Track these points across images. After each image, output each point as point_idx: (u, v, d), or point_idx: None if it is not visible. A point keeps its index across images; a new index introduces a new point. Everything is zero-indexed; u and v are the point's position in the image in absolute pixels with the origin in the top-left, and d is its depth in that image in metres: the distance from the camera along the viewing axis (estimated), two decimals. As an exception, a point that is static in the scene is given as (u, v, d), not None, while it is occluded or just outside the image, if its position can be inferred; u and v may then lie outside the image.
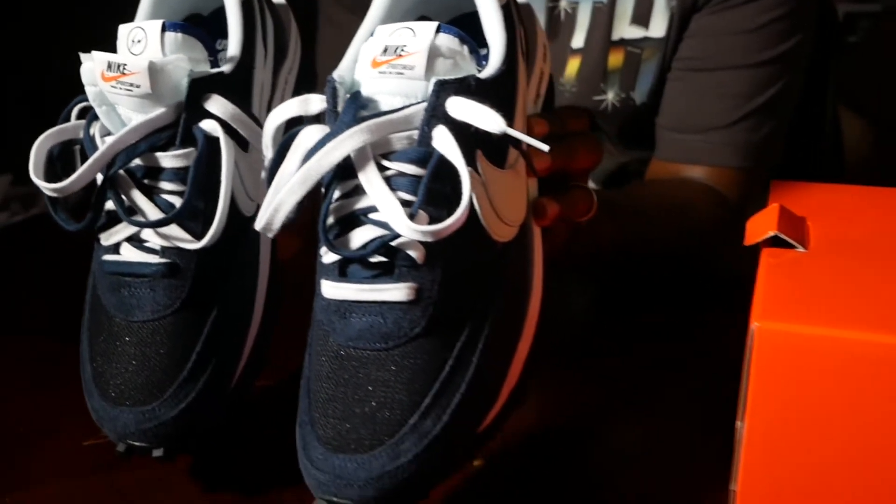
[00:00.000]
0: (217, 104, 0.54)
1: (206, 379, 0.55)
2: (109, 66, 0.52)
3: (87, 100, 0.56)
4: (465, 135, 0.47)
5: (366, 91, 0.49)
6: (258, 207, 0.58)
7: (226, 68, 0.56)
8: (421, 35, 0.49)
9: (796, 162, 1.42)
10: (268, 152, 0.51)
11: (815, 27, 0.98)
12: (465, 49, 0.50)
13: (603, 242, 0.72)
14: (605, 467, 0.58)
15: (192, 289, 0.55)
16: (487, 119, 0.46)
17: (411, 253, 0.47)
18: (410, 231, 0.45)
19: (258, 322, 0.59)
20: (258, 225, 0.48)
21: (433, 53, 0.48)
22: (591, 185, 1.04)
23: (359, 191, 0.48)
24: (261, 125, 0.56)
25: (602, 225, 0.71)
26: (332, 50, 0.58)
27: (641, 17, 0.97)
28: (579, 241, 0.68)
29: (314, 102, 0.50)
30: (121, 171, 0.54)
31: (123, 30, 0.55)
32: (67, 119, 0.57)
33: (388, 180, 0.47)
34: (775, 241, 0.53)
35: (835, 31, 1.48)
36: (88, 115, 0.56)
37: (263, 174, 0.54)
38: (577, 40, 1.00)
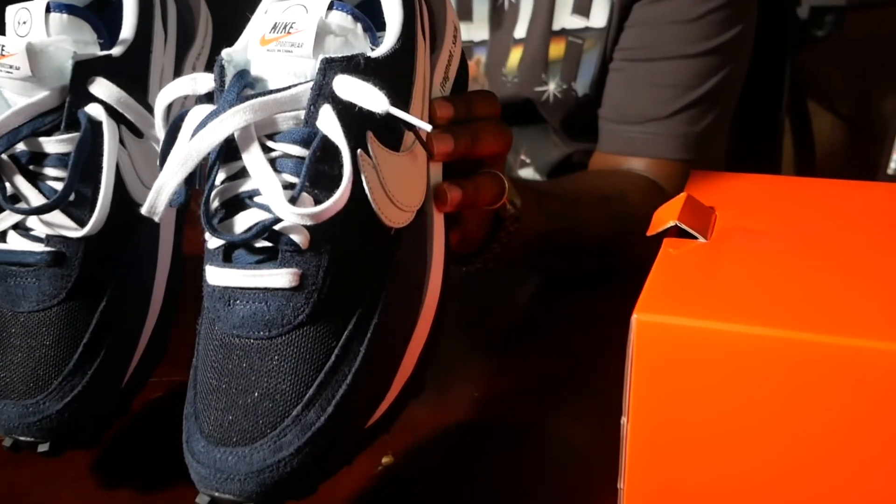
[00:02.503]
0: (102, 88, 0.52)
1: (94, 371, 0.52)
2: (-9, 47, 0.50)
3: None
4: (355, 115, 0.46)
5: (254, 70, 0.47)
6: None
7: (115, 51, 0.54)
8: (312, 11, 0.47)
9: (753, 155, 1.42)
10: (160, 134, 0.50)
11: (759, 19, 0.98)
12: (359, 27, 0.48)
13: (529, 233, 0.71)
14: (507, 462, 0.57)
15: (79, 278, 0.52)
16: (371, 98, 0.44)
17: (295, 237, 0.45)
18: (289, 214, 0.43)
19: (155, 315, 0.57)
20: (144, 209, 0.46)
21: (322, 30, 0.47)
22: (535, 175, 1.03)
23: (244, 173, 0.47)
24: (145, 102, 0.54)
25: (530, 214, 0.70)
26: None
27: (583, 6, 0.96)
28: (504, 234, 0.67)
29: (202, 81, 0.48)
30: (3, 157, 0.51)
31: (10, 10, 0.52)
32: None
33: (272, 162, 0.46)
34: (679, 232, 0.51)
35: (795, 26, 1.49)
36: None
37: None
38: (520, 30, 0.99)
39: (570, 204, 0.81)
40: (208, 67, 0.63)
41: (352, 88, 0.45)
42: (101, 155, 0.52)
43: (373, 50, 0.49)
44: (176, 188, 0.46)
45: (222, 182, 0.47)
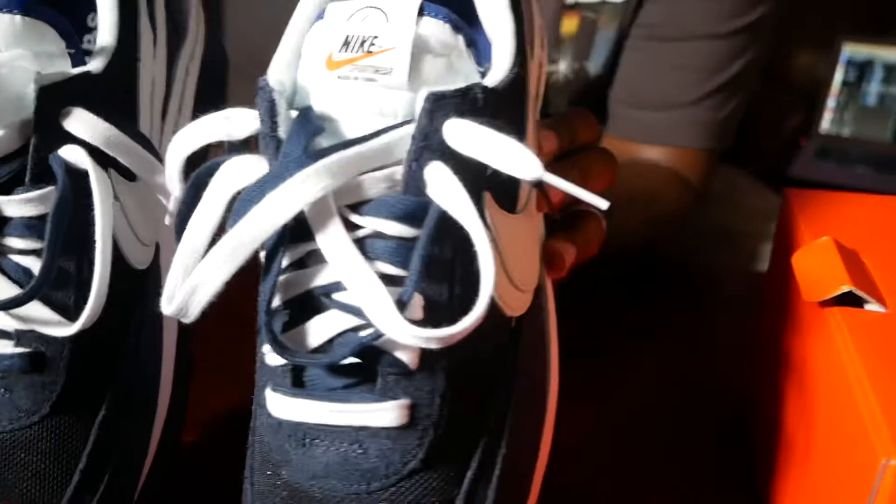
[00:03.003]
0: (82, 122, 0.37)
1: (98, 501, 0.39)
2: (-89, 70, 0.34)
3: None
4: (468, 172, 0.32)
5: (319, 105, 0.33)
6: (156, 253, 0.42)
7: (94, 66, 0.38)
8: (398, 19, 0.33)
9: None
10: (174, 190, 0.35)
11: None
12: (461, 41, 0.34)
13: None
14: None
15: (67, 386, 0.38)
16: (513, 159, 0.31)
17: (401, 356, 0.32)
18: (408, 335, 0.30)
19: (165, 407, 0.43)
20: (168, 309, 0.32)
21: (419, 48, 0.32)
22: None
23: (316, 258, 0.33)
24: (151, 145, 0.39)
25: None
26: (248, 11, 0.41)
27: None
28: None
29: (241, 122, 0.34)
30: (-56, 227, 0.36)
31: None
32: None
33: (360, 244, 0.32)
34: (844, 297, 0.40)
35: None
36: None
37: (168, 219, 0.38)
38: None
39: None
40: (205, 72, 0.48)
41: (473, 138, 0.31)
42: (89, 216, 0.37)
43: (482, 75, 0.35)
44: (221, 286, 0.31)
45: (285, 270, 0.33)
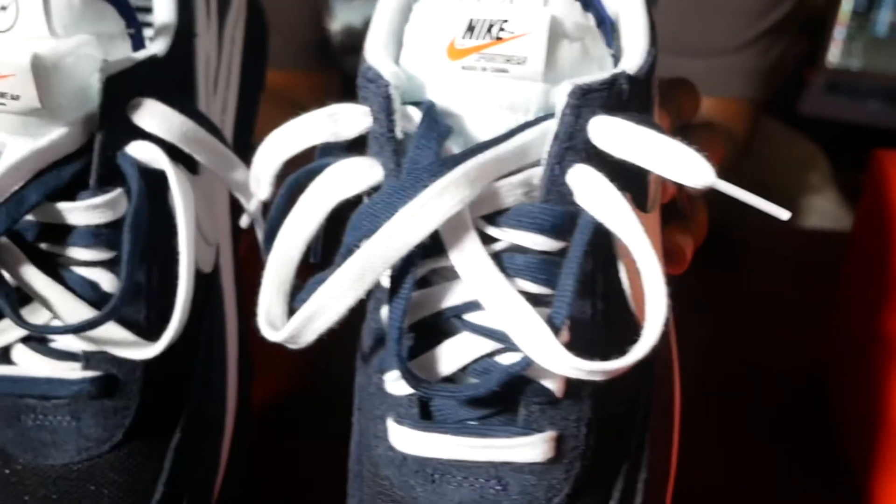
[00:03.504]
0: (154, 115, 0.32)
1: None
2: (-41, 63, 0.29)
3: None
4: (611, 173, 0.28)
5: (442, 99, 0.29)
6: (217, 253, 0.37)
7: (157, 47, 0.34)
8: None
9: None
10: (261, 192, 0.31)
11: None
12: (591, 19, 0.30)
13: None
14: None
15: (141, 409, 0.34)
16: (679, 164, 0.27)
17: (548, 384, 0.28)
18: (562, 365, 0.26)
19: (232, 420, 0.39)
20: (272, 335, 0.28)
21: (553, 32, 0.28)
22: None
23: (444, 275, 0.29)
24: (223, 137, 0.35)
25: None
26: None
27: None
28: None
29: (349, 119, 0.29)
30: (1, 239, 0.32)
31: (-28, -13, 0.31)
32: None
33: (496, 259, 0.28)
34: None
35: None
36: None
37: (245, 220, 0.34)
38: None
39: None
40: (247, 39, 0.43)
41: (626, 139, 0.27)
42: (160, 221, 0.33)
43: (614, 59, 0.30)
44: (344, 312, 0.28)
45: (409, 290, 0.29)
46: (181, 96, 0.34)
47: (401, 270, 0.28)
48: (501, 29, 0.28)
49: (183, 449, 0.35)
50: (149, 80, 0.33)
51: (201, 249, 0.36)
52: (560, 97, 0.28)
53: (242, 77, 0.42)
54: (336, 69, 0.76)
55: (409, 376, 0.28)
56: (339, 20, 0.68)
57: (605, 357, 0.27)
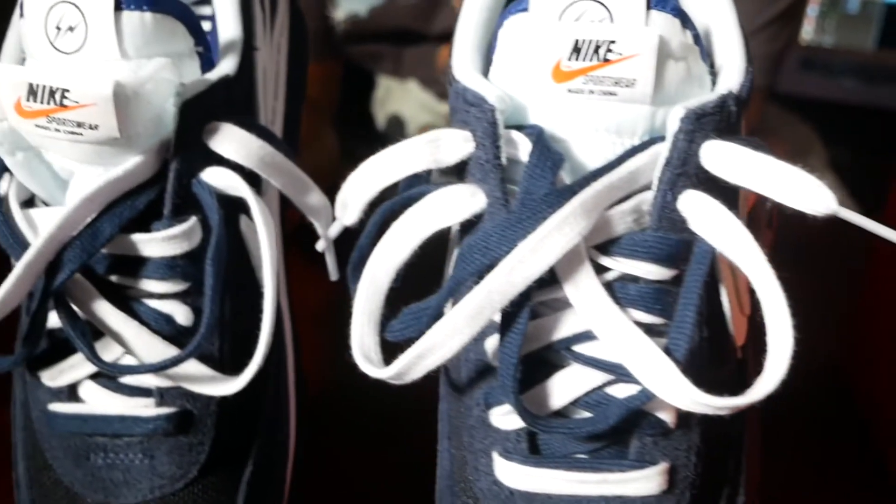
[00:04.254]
0: (231, 140, 0.31)
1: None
2: (33, 91, 0.28)
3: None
4: (721, 199, 0.27)
5: (545, 123, 0.28)
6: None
7: (227, 67, 0.32)
8: (626, 15, 0.28)
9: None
10: (347, 217, 0.30)
11: None
12: (689, 36, 0.29)
13: None
14: None
15: (215, 445, 0.33)
16: (799, 191, 0.26)
17: (663, 416, 0.28)
18: (686, 399, 0.26)
19: (293, 444, 0.38)
20: (373, 371, 0.27)
21: (663, 54, 0.27)
22: None
23: (552, 306, 0.28)
24: (288, 149, 0.34)
25: None
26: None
27: None
28: None
29: (451, 145, 0.28)
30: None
31: (36, 5, 0.29)
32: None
33: (609, 288, 0.27)
34: None
35: None
36: (-10, 168, 0.31)
37: (322, 244, 0.33)
38: None
39: None
40: (292, 47, 0.41)
41: (742, 165, 0.27)
42: (236, 249, 0.31)
43: (712, 76, 0.30)
44: (458, 350, 0.27)
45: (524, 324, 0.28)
46: (249, 115, 0.33)
47: (514, 303, 0.27)
48: (609, 50, 0.27)
49: (255, 482, 0.34)
50: (221, 101, 0.31)
51: (258, 272, 0.35)
52: (672, 121, 0.27)
53: (287, 86, 0.41)
54: (339, 58, 0.75)
55: (525, 413, 0.27)
56: (343, 9, 0.66)
57: (711, 385, 0.26)
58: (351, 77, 0.69)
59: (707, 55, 0.30)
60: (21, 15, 0.30)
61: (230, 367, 0.32)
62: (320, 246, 0.33)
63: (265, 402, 0.35)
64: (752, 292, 0.32)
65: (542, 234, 0.26)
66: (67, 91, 0.28)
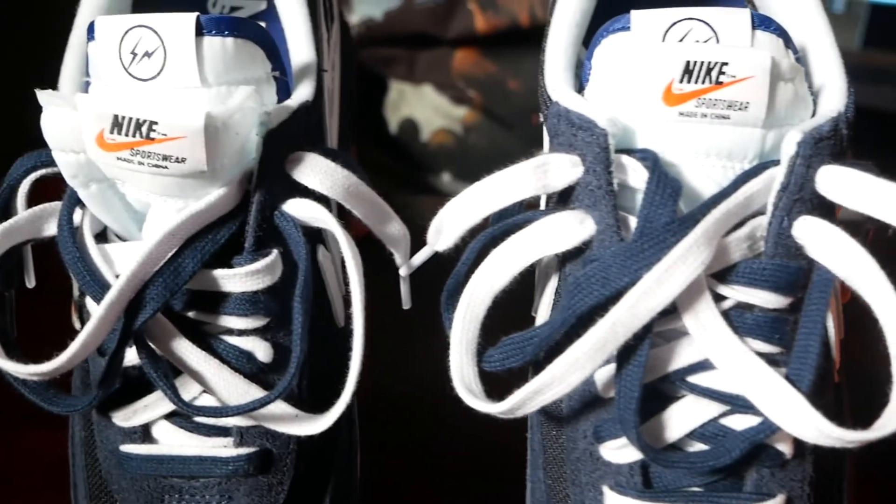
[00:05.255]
0: (316, 170, 0.29)
1: None
2: (118, 124, 0.26)
3: (42, 166, 0.30)
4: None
5: (656, 148, 0.27)
6: (346, 302, 0.35)
7: (304, 93, 0.31)
8: (733, 36, 0.27)
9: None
10: (441, 244, 0.29)
11: None
12: (792, 56, 0.28)
13: None
14: None
15: (295, 483, 0.31)
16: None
17: (781, 447, 0.27)
18: (814, 431, 0.25)
19: (359, 471, 0.37)
20: (490, 406, 0.26)
21: (775, 77, 0.26)
22: None
23: (667, 336, 0.27)
24: (366, 177, 0.32)
25: None
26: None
27: None
28: None
29: (559, 170, 0.27)
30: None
31: (111, 29, 0.28)
32: (7, 202, 0.30)
33: (726, 318, 0.26)
34: None
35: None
36: (64, 200, 0.29)
37: (405, 271, 0.32)
38: None
39: None
40: (343, 62, 0.40)
41: (859, 189, 0.26)
42: (321, 285, 0.30)
43: (813, 96, 0.29)
44: (578, 385, 0.26)
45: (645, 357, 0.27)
46: (321, 141, 0.32)
47: (638, 336, 0.26)
48: (722, 72, 0.26)
49: (332, 518, 0.33)
50: (303, 129, 0.30)
51: (338, 302, 0.34)
52: (788, 145, 0.26)
53: (340, 102, 0.39)
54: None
55: (646, 448, 0.26)
56: (358, 13, 0.65)
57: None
58: (361, 82, 0.68)
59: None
60: (90, 38, 0.29)
61: (308, 403, 0.31)
62: (405, 272, 0.32)
63: (340, 436, 0.33)
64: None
65: (666, 264, 0.25)
66: (155, 123, 0.26)
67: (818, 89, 0.29)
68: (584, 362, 0.25)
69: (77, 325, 0.33)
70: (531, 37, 0.65)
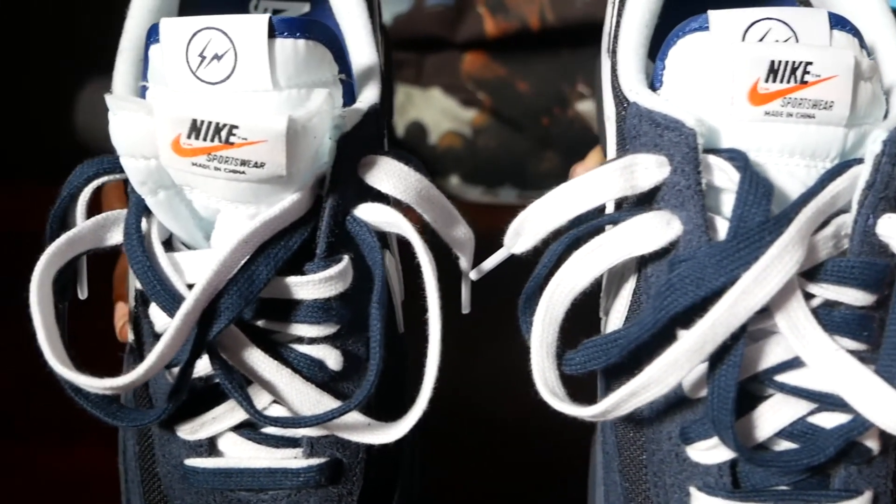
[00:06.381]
0: (389, 174, 0.29)
1: None
2: (196, 128, 0.25)
3: (104, 173, 0.29)
4: None
5: (745, 149, 0.27)
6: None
7: (371, 95, 0.30)
8: (812, 35, 0.27)
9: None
10: (519, 246, 0.28)
11: None
12: (866, 55, 0.28)
13: None
14: None
15: (364, 493, 0.31)
16: None
17: (870, 444, 0.27)
18: None
19: (420, 476, 0.36)
20: (582, 410, 0.26)
21: (857, 75, 0.26)
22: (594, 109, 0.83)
23: (758, 335, 0.27)
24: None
25: None
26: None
27: None
28: None
29: (646, 170, 0.27)
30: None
31: (178, 31, 0.27)
32: (63, 213, 0.29)
33: (815, 316, 0.26)
34: None
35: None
36: (130, 208, 0.28)
37: (475, 275, 0.31)
38: None
39: None
40: (386, 61, 0.39)
41: None
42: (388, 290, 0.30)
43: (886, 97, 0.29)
44: (674, 386, 0.26)
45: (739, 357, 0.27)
46: (380, 144, 0.31)
47: (735, 336, 0.26)
48: (806, 71, 0.26)
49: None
50: (373, 133, 0.29)
51: (398, 308, 0.33)
52: (873, 144, 0.26)
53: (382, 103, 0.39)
54: None
55: (741, 449, 0.26)
56: (388, 12, 0.64)
57: None
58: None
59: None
60: (153, 41, 0.28)
61: (375, 410, 0.30)
62: (473, 276, 0.31)
63: (406, 442, 0.33)
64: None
65: (764, 263, 0.25)
66: (236, 127, 0.25)
67: (889, 88, 0.29)
68: (683, 363, 0.25)
69: (131, 337, 0.32)
70: (540, 38, 0.65)
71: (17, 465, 0.41)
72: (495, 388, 0.40)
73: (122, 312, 0.37)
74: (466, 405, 0.40)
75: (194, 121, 0.25)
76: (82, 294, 0.32)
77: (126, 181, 0.30)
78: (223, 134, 0.25)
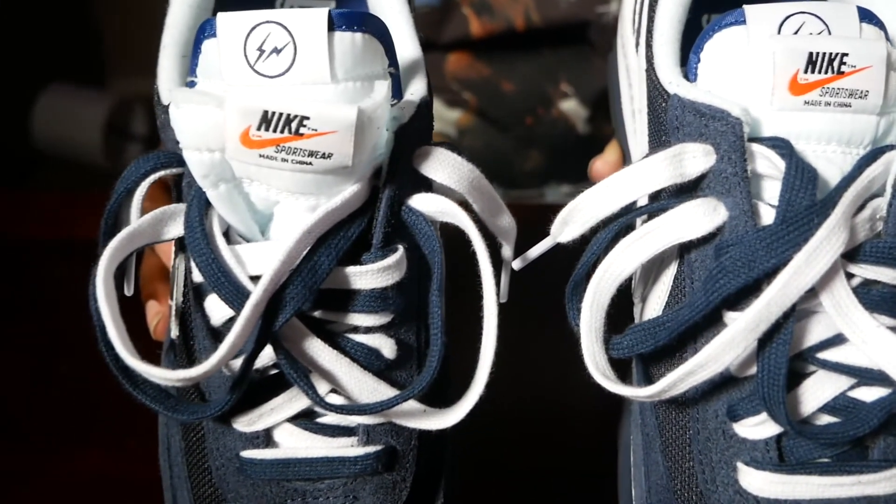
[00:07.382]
0: (444, 164, 0.30)
1: None
2: (267, 119, 0.26)
3: (162, 167, 0.29)
4: None
5: (786, 136, 0.28)
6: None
7: (420, 86, 0.31)
8: (844, 28, 0.29)
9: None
10: (566, 235, 0.30)
11: None
12: (892, 47, 0.30)
13: None
14: None
15: (416, 480, 0.32)
16: None
17: (905, 413, 0.29)
18: None
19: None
20: (639, 391, 0.28)
21: (889, 65, 0.28)
22: (579, 108, 0.84)
23: (800, 315, 0.28)
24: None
25: None
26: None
27: None
28: None
29: (694, 158, 0.28)
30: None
31: (236, 25, 0.27)
32: (118, 208, 0.29)
33: (856, 294, 0.28)
34: None
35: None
36: (191, 201, 0.29)
37: (517, 264, 0.32)
38: None
39: None
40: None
41: None
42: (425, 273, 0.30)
43: None
44: (729, 364, 0.27)
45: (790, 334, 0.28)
46: (428, 136, 0.32)
47: (784, 317, 0.27)
48: (843, 63, 0.28)
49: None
50: (424, 123, 0.30)
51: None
52: (899, 129, 0.28)
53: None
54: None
55: (791, 423, 0.27)
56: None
57: None
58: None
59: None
60: (208, 35, 0.28)
61: (430, 397, 0.31)
62: (517, 265, 0.32)
63: (447, 434, 0.33)
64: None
65: (814, 244, 0.26)
66: (307, 119, 0.26)
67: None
68: (739, 341, 0.26)
69: (175, 332, 0.32)
70: (524, 38, 0.67)
71: (25, 470, 0.41)
72: (531, 375, 0.41)
73: (154, 311, 0.37)
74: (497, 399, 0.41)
75: (265, 112, 0.26)
76: (129, 290, 0.32)
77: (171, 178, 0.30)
78: (293, 125, 0.26)
